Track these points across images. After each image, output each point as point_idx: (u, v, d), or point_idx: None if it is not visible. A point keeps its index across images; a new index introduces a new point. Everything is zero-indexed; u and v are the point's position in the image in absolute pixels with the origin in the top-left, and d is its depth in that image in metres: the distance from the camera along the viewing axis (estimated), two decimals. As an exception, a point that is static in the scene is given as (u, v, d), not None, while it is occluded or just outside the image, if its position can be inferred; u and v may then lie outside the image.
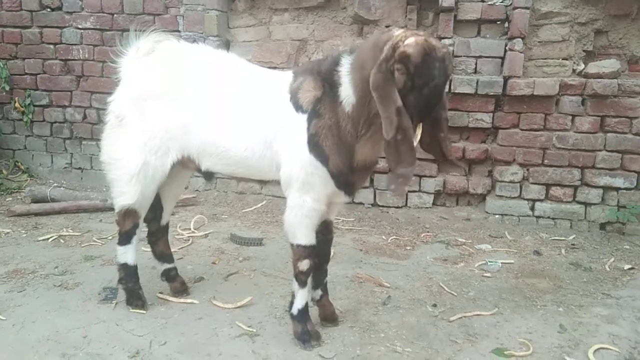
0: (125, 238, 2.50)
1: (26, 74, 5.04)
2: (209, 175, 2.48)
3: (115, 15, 4.77)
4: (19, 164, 5.19)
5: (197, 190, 4.75)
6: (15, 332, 2.30)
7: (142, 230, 2.60)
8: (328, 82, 2.09)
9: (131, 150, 2.33)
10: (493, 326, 2.48)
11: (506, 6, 4.01)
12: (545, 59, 4.07)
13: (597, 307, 2.72)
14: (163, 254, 2.74)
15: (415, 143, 1.91)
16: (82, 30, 4.86)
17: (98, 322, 2.40)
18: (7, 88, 5.01)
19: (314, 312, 2.40)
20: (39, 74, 5.02)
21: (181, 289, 2.72)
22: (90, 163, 5.06)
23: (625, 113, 3.92)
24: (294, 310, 2.27)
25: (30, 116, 5.08)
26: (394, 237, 3.80)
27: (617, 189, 4.02)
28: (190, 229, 3.82)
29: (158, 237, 2.73)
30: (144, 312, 2.50)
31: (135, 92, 2.35)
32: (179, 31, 4.63)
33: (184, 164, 2.42)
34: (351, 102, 2.03)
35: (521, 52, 3.97)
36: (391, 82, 1.82)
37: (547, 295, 2.86)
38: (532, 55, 4.09)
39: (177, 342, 2.24)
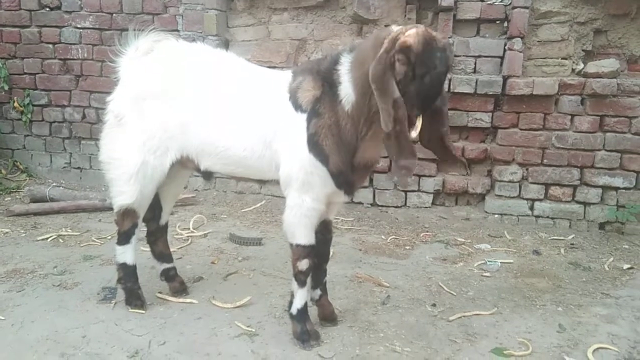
0: (124, 238, 2.49)
1: (25, 73, 5.03)
2: (207, 175, 2.48)
3: (114, 14, 4.77)
4: (18, 163, 5.18)
5: (196, 189, 4.75)
6: (14, 331, 2.30)
7: (141, 229, 2.60)
8: (327, 81, 2.09)
9: (130, 149, 2.33)
10: (492, 326, 2.48)
11: (505, 6, 4.00)
12: (544, 58, 4.07)
13: (596, 306, 2.72)
14: (162, 254, 2.74)
15: (416, 134, 1.90)
16: (81, 30, 4.85)
17: (97, 321, 2.40)
18: (6, 87, 5.00)
19: (313, 311, 2.40)
20: (37, 73, 5.01)
21: (180, 289, 2.72)
22: (89, 163, 5.05)
23: (625, 112, 3.92)
24: (293, 310, 2.27)
25: (29, 116, 5.07)
26: (393, 236, 3.80)
27: (616, 188, 4.02)
28: (189, 228, 3.81)
29: (157, 237, 2.73)
30: (143, 311, 2.50)
31: (134, 92, 2.35)
32: (178, 31, 4.63)
33: (183, 164, 2.41)
34: (351, 101, 2.03)
35: (520, 52, 3.97)
36: (390, 75, 1.83)
37: (547, 295, 2.86)
38: (532, 54, 4.09)
39: (176, 342, 2.24)
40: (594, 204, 4.07)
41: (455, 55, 4.10)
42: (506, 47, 4.02)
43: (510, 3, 3.96)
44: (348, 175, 2.12)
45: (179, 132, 2.29)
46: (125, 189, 2.37)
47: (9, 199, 4.56)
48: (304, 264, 2.21)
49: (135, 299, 2.53)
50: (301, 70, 2.24)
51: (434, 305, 2.68)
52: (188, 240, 3.60)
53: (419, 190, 4.34)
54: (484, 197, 4.29)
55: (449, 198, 4.37)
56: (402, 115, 1.83)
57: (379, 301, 2.71)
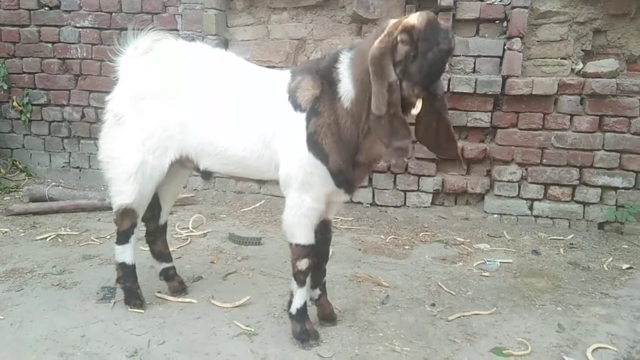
0: (123, 237, 2.49)
1: (24, 72, 5.03)
2: (207, 175, 2.48)
3: (113, 14, 4.76)
4: (17, 163, 5.18)
5: (195, 189, 4.75)
6: (13, 331, 2.29)
7: (141, 229, 2.59)
8: (327, 79, 2.09)
9: (129, 149, 2.33)
10: (491, 325, 2.48)
11: (505, 5, 4.00)
12: (543, 58, 4.07)
13: (595, 306, 2.73)
14: (161, 253, 2.74)
15: (417, 112, 1.92)
16: (80, 29, 4.85)
17: (96, 321, 2.39)
18: (5, 87, 5.00)
19: (312, 311, 2.40)
20: (37, 72, 5.01)
21: (179, 288, 2.72)
22: (89, 162, 5.05)
23: (624, 112, 3.93)
24: (293, 310, 2.27)
25: (28, 115, 5.07)
26: (393, 236, 3.80)
27: (616, 188, 4.02)
28: (188, 228, 3.81)
29: (156, 237, 2.73)
30: (142, 311, 2.49)
31: (133, 91, 2.34)
32: (177, 30, 4.62)
33: (182, 163, 2.41)
34: (350, 97, 2.03)
35: (520, 52, 3.97)
36: (389, 58, 1.84)
37: (546, 295, 2.86)
38: (531, 54, 4.09)
39: (176, 342, 2.24)
40: (593, 203, 4.07)
41: (455, 55, 4.10)
42: (505, 47, 4.02)
43: (510, 3, 3.96)
44: (348, 174, 2.12)
45: (178, 131, 2.29)
46: (125, 188, 2.37)
47: (8, 198, 4.55)
48: (303, 264, 2.21)
49: (134, 298, 2.53)
50: (300, 69, 2.24)
51: (433, 305, 2.68)
52: (187, 239, 3.60)
53: (418, 190, 4.34)
54: (483, 197, 4.29)
55: (448, 198, 4.37)
56: (396, 99, 1.85)
57: (378, 301, 2.71)
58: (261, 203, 4.49)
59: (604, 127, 3.98)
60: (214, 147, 2.26)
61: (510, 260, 3.37)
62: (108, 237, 3.56)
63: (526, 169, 4.15)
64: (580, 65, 4.02)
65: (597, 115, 3.97)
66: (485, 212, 4.25)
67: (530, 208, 4.18)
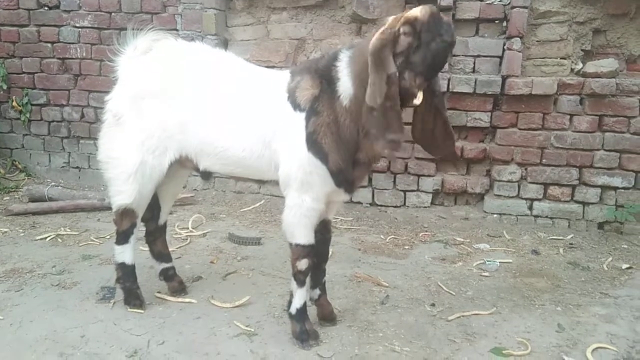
0: (122, 237, 2.49)
1: (24, 72, 5.02)
2: (206, 175, 2.48)
3: (113, 13, 4.76)
4: (17, 163, 5.17)
5: (195, 189, 4.75)
6: (13, 331, 2.29)
7: (140, 229, 2.59)
8: (326, 78, 2.09)
9: (129, 149, 2.33)
10: (491, 325, 2.48)
11: (504, 5, 4.00)
12: (543, 58, 4.07)
13: (595, 306, 2.73)
14: (161, 254, 2.74)
15: (419, 102, 1.93)
16: (79, 29, 4.84)
17: (96, 321, 2.39)
18: (5, 87, 4.99)
19: (312, 311, 2.40)
20: (36, 72, 5.00)
21: (179, 289, 2.72)
22: (88, 162, 5.05)
23: (624, 112, 3.93)
24: (293, 310, 2.26)
25: (27, 115, 5.07)
26: (393, 236, 3.79)
27: (615, 188, 4.02)
28: (188, 228, 3.81)
29: (156, 237, 2.73)
30: (142, 311, 2.49)
31: (132, 91, 2.34)
32: (177, 30, 4.62)
33: (182, 164, 2.41)
34: (349, 95, 2.03)
35: (519, 52, 3.97)
36: (389, 50, 1.85)
37: (546, 295, 2.86)
38: (531, 54, 4.09)
39: (175, 342, 2.24)
40: (592, 203, 4.07)
41: (454, 55, 4.10)
42: (505, 47, 4.02)
43: (509, 3, 3.96)
44: (348, 173, 2.12)
45: (177, 131, 2.29)
46: (124, 188, 2.36)
47: (8, 198, 4.55)
48: (303, 264, 2.21)
49: (134, 298, 2.53)
50: (299, 69, 2.24)
51: (433, 305, 2.68)
52: (187, 239, 3.59)
53: (418, 190, 4.34)
54: (483, 196, 4.29)
55: (448, 198, 4.37)
56: (394, 92, 1.85)
57: (378, 301, 2.71)
58: (261, 203, 4.49)
59: (603, 127, 3.98)
60: (213, 148, 2.25)
61: (510, 260, 3.37)
62: (108, 237, 3.56)
63: (526, 169, 4.15)
64: (580, 65, 4.03)
65: (596, 115, 3.97)
66: (485, 212, 4.25)
67: (530, 208, 4.18)
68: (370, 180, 4.38)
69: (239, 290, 2.73)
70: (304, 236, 2.18)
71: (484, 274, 3.15)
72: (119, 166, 2.36)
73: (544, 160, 4.10)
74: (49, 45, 4.93)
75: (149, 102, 2.30)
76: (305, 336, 2.23)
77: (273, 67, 4.28)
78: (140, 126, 2.31)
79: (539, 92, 3.95)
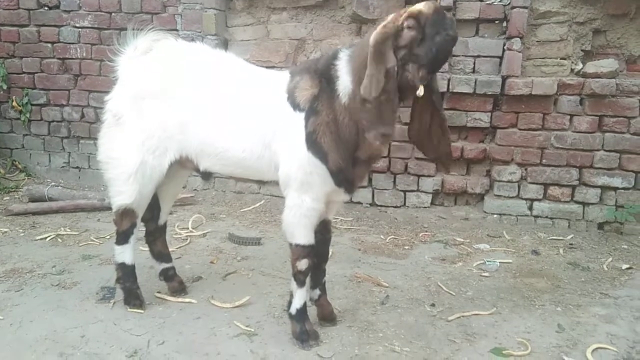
0: (122, 237, 2.49)
1: (24, 72, 5.02)
2: (206, 175, 2.48)
3: (113, 14, 4.76)
4: (17, 163, 5.17)
5: (195, 189, 4.74)
6: (13, 331, 2.29)
7: (140, 229, 2.59)
8: (325, 77, 2.09)
9: (129, 149, 2.33)
10: (491, 326, 2.48)
11: (504, 5, 4.00)
12: (543, 58, 4.08)
13: (595, 306, 2.73)
14: (161, 254, 2.74)
15: (420, 94, 1.92)
16: (79, 29, 4.84)
17: (96, 321, 2.39)
18: (5, 87, 4.99)
19: (312, 311, 2.40)
20: (36, 72, 5.00)
21: (179, 289, 2.72)
22: (88, 162, 5.04)
23: (624, 113, 3.93)
24: (293, 310, 2.27)
25: (27, 115, 5.07)
26: (392, 236, 3.79)
27: (615, 188, 4.02)
28: (188, 228, 3.81)
29: (156, 237, 2.73)
30: (142, 311, 2.49)
31: (132, 91, 2.34)
32: (177, 30, 4.62)
33: (182, 164, 2.41)
34: (349, 93, 2.03)
35: (519, 52, 3.97)
36: (390, 44, 1.86)
37: (545, 295, 2.86)
38: (531, 54, 4.09)
39: (175, 342, 2.24)
40: (592, 204, 4.07)
41: (454, 55, 4.10)
42: (505, 47, 4.02)
43: (509, 3, 3.96)
44: (348, 172, 2.12)
45: (177, 132, 2.29)
46: (124, 188, 2.37)
47: (8, 198, 4.55)
48: (303, 264, 2.21)
49: (134, 298, 2.53)
50: (299, 69, 2.24)
51: (433, 305, 2.68)
52: (187, 240, 3.59)
53: (418, 190, 4.34)
54: (483, 197, 4.29)
55: (448, 198, 4.37)
56: (391, 85, 1.86)
57: (378, 301, 2.71)
58: (261, 203, 4.49)
59: (603, 127, 3.98)
60: (213, 148, 2.26)
61: (510, 261, 3.37)
62: (108, 237, 3.56)
63: (526, 169, 4.15)
64: (580, 66, 4.03)
65: (596, 116, 3.97)
66: (485, 212, 4.25)
67: (530, 208, 4.18)
68: (370, 180, 4.38)
69: (239, 291, 2.73)
70: (304, 236, 2.18)
71: (484, 274, 3.15)
72: (119, 166, 2.36)
73: (544, 161, 4.10)
74: (49, 45, 4.93)
75: (149, 102, 2.30)
76: (305, 336, 2.23)
77: (273, 67, 4.29)
78: (141, 126, 2.31)
79: (539, 93, 3.95)
